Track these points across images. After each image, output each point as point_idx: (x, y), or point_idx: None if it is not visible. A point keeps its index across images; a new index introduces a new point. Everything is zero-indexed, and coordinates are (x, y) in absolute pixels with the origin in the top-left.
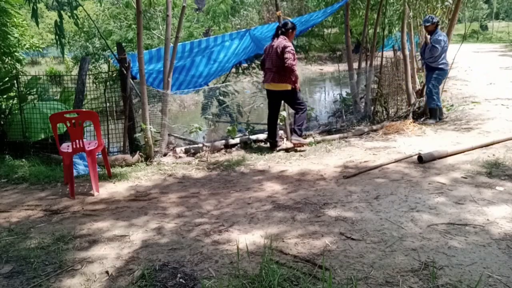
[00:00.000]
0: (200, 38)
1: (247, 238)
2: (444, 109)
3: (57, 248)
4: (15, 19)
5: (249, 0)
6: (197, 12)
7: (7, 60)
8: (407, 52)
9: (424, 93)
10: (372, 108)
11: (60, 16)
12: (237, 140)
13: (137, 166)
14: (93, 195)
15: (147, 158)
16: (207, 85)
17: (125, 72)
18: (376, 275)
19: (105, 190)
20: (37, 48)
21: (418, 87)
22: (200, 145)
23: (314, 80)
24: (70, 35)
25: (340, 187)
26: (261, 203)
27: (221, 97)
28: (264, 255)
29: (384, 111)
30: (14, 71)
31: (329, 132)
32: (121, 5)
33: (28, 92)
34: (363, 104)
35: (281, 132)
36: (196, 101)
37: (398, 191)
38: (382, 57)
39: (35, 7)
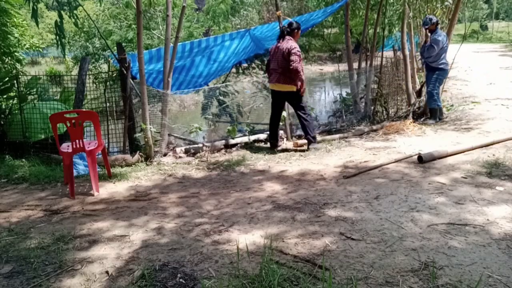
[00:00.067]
0: (200, 38)
1: (247, 238)
2: (444, 109)
3: (57, 248)
4: (15, 19)
5: (249, 0)
6: (197, 12)
7: (7, 60)
8: (407, 52)
9: (424, 93)
10: (372, 108)
11: (60, 16)
12: (237, 140)
13: (137, 166)
14: (93, 195)
15: (147, 158)
16: (207, 85)
17: (125, 72)
18: (376, 275)
19: (105, 190)
20: (37, 48)
21: (418, 87)
22: (200, 145)
23: (314, 80)
24: (70, 35)
25: (340, 187)
26: (261, 203)
27: (221, 97)
28: (264, 255)
29: (384, 111)
30: (14, 71)
31: (329, 132)
32: (121, 5)
33: (28, 92)
34: (363, 104)
35: (281, 132)
36: (196, 101)
37: (398, 191)
38: (382, 57)
39: (35, 7)
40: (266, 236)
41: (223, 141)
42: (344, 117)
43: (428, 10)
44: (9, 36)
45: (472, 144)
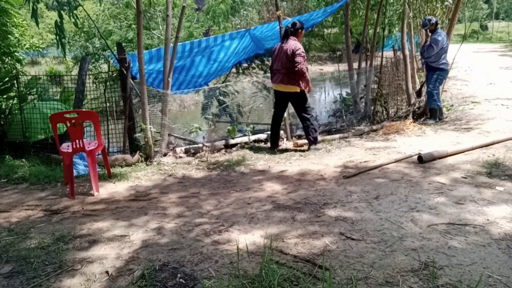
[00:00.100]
0: (200, 38)
1: (247, 238)
2: (444, 109)
3: (57, 248)
4: (15, 19)
5: (249, 0)
6: (197, 12)
7: (7, 60)
8: (407, 52)
9: (424, 93)
10: (372, 108)
11: (60, 16)
12: (237, 140)
13: (137, 166)
14: (93, 195)
15: (147, 158)
16: (207, 85)
17: (125, 72)
18: (376, 275)
19: (105, 190)
20: (37, 48)
21: (418, 87)
22: (200, 145)
23: (314, 80)
24: (70, 35)
25: (340, 187)
26: (261, 203)
27: (221, 97)
28: (264, 255)
29: (384, 111)
30: (14, 71)
31: (329, 132)
32: (121, 5)
33: (28, 92)
34: (363, 104)
35: (281, 132)
36: (196, 101)
37: (398, 191)
38: (382, 57)
39: (35, 7)
40: (266, 236)
41: (223, 141)
42: (344, 117)
43: (428, 10)
44: (9, 36)
45: (472, 144)
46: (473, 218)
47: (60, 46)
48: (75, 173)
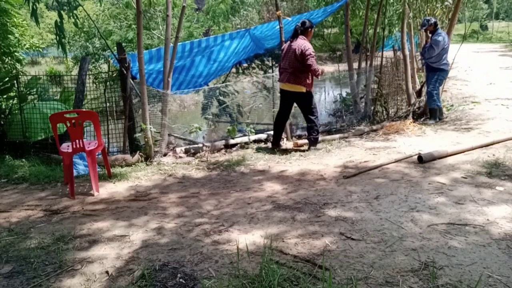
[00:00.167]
0: (200, 38)
1: (247, 238)
2: (444, 109)
3: (57, 248)
4: (15, 19)
5: (249, 0)
6: (197, 12)
7: (7, 60)
8: (407, 52)
9: (424, 93)
10: (372, 108)
11: (60, 16)
12: (237, 140)
13: (137, 166)
14: (93, 195)
15: (147, 158)
16: (207, 85)
17: (125, 72)
18: (376, 275)
19: (105, 190)
20: (37, 48)
21: (418, 87)
22: (200, 145)
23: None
24: (70, 35)
25: (340, 187)
26: (261, 203)
27: (221, 97)
28: (264, 255)
29: (384, 111)
30: (14, 71)
31: (329, 132)
32: (121, 5)
33: (28, 92)
34: (363, 104)
35: None
36: (196, 101)
37: (398, 191)
38: (382, 57)
39: (35, 7)
40: (266, 236)
41: (223, 141)
42: (344, 117)
43: (428, 10)
44: (9, 36)
45: (472, 144)
46: (473, 218)
47: (60, 46)
48: (75, 173)
